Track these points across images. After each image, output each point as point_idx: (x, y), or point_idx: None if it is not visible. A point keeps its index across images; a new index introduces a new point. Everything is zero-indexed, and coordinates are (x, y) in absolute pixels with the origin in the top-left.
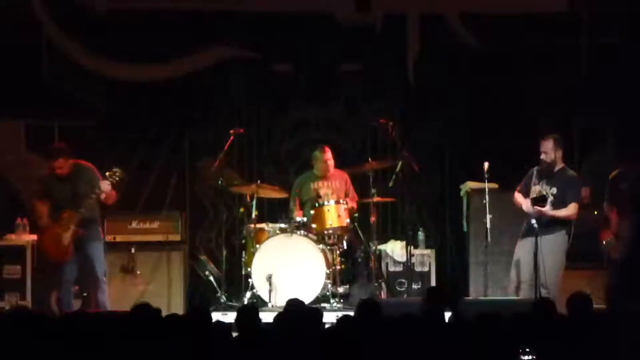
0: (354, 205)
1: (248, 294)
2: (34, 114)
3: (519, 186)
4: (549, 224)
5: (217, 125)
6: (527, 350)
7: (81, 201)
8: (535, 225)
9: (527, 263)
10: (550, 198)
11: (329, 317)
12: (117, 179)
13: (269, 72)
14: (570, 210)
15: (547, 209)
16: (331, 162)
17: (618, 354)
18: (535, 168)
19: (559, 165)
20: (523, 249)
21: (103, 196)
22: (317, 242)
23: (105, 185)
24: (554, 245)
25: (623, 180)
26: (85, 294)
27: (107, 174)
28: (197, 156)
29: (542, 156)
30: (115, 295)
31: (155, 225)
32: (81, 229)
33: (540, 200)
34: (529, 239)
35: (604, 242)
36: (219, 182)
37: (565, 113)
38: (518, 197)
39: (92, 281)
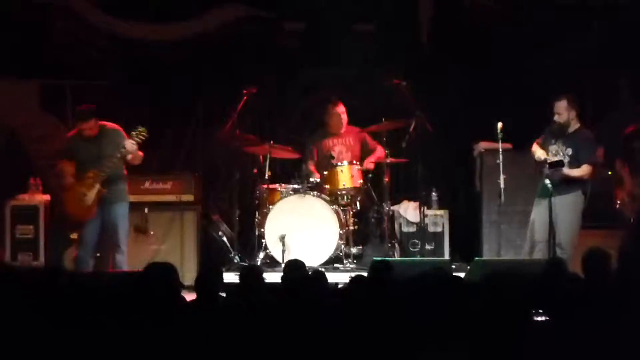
0: (380, 155)
1: (261, 255)
2: (47, 74)
3: (539, 139)
4: (564, 184)
5: (230, 85)
6: (540, 310)
7: (107, 161)
8: (550, 186)
9: (542, 223)
10: (567, 159)
11: (342, 278)
12: (142, 137)
13: (281, 31)
14: (583, 170)
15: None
16: (344, 117)
17: (630, 314)
18: (552, 126)
19: (575, 125)
20: (538, 210)
21: (130, 157)
22: (330, 202)
23: (131, 145)
24: (569, 205)
25: (636, 139)
26: (98, 254)
27: (132, 133)
28: (210, 116)
29: (556, 117)
30: (129, 255)
31: (168, 185)
32: (106, 188)
33: (557, 165)
34: (544, 199)
35: (618, 201)
36: (232, 142)
37: (578, 73)
38: (535, 148)
39: (113, 241)
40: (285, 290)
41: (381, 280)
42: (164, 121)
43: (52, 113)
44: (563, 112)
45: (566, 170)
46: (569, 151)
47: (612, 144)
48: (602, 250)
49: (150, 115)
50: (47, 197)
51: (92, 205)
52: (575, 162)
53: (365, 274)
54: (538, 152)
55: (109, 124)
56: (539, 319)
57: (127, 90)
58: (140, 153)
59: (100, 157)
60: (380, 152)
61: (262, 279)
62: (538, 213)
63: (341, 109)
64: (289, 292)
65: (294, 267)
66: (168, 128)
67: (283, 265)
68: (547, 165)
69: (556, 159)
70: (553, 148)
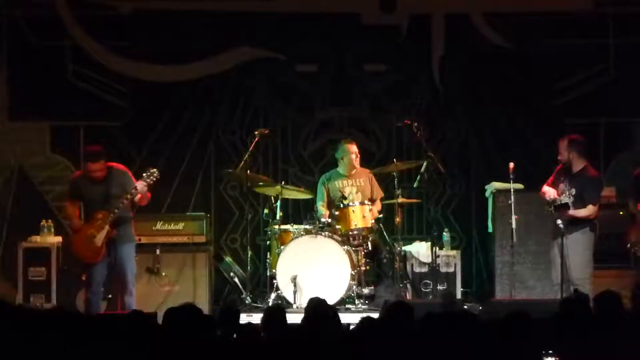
0: (379, 205)
1: (273, 295)
2: (59, 115)
3: (550, 179)
4: (572, 223)
5: (242, 126)
6: (550, 351)
7: (115, 202)
8: (561, 225)
9: (558, 263)
10: (571, 199)
11: (354, 318)
12: (153, 179)
13: (293, 72)
14: (588, 211)
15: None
16: (357, 157)
17: None
18: (561, 167)
19: (580, 165)
20: (553, 251)
21: (138, 197)
22: (342, 243)
23: (142, 186)
24: (578, 242)
25: None
26: (110, 296)
27: (144, 174)
28: (222, 157)
29: (559, 157)
30: (141, 297)
31: (180, 226)
32: (114, 229)
33: (562, 207)
34: (557, 239)
35: (631, 241)
36: (244, 183)
37: (592, 113)
38: (547, 188)
39: (121, 282)
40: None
41: (399, 322)
42: (176, 162)
43: (62, 154)
44: (563, 152)
45: (571, 212)
46: (573, 191)
47: (624, 183)
48: (614, 292)
49: (162, 155)
50: (59, 238)
51: (102, 247)
52: (579, 202)
53: (376, 315)
54: (550, 192)
55: (116, 165)
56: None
57: (139, 130)
58: (149, 194)
59: (108, 198)
60: (376, 207)
61: (286, 319)
62: (554, 253)
63: (354, 148)
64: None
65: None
66: (180, 168)
67: (296, 305)
68: (552, 208)
69: (563, 201)
70: (560, 187)
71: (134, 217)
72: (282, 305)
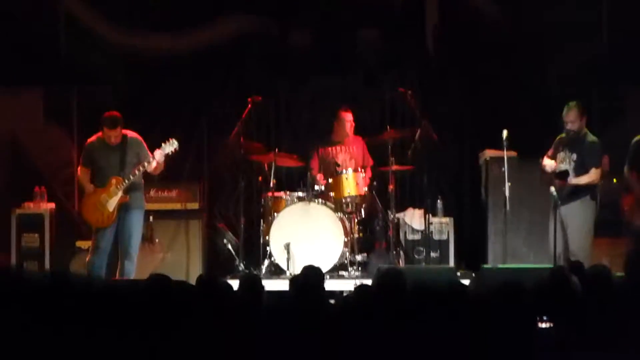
0: (370, 173)
1: (266, 263)
2: (52, 83)
3: (549, 151)
4: (573, 192)
5: (236, 96)
6: (545, 317)
7: (129, 169)
8: (555, 195)
9: (560, 234)
10: (572, 165)
11: (347, 285)
12: (173, 150)
13: (286, 41)
14: (591, 176)
15: (570, 178)
16: (352, 125)
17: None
18: (561, 135)
19: (582, 131)
20: (552, 221)
21: (154, 166)
22: (335, 210)
23: (160, 156)
24: (579, 211)
25: None
26: (108, 262)
27: (163, 144)
28: (215, 124)
29: (569, 126)
30: None
31: (174, 193)
32: (127, 196)
33: (562, 176)
34: (555, 210)
35: (625, 209)
36: (237, 151)
37: (585, 82)
38: (547, 161)
39: (125, 248)
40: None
41: (391, 289)
42: (170, 129)
43: (56, 121)
44: (575, 120)
45: (574, 180)
46: (574, 157)
47: (619, 151)
48: (603, 265)
49: (155, 123)
50: (52, 205)
51: (113, 212)
52: (580, 168)
53: (369, 282)
54: (549, 165)
55: (130, 133)
56: (544, 325)
57: (132, 99)
58: (164, 163)
59: (122, 165)
60: (367, 174)
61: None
62: (551, 223)
63: (349, 116)
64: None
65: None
66: (173, 136)
67: (289, 272)
68: (554, 175)
69: (563, 168)
70: (560, 155)
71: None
72: (257, 274)
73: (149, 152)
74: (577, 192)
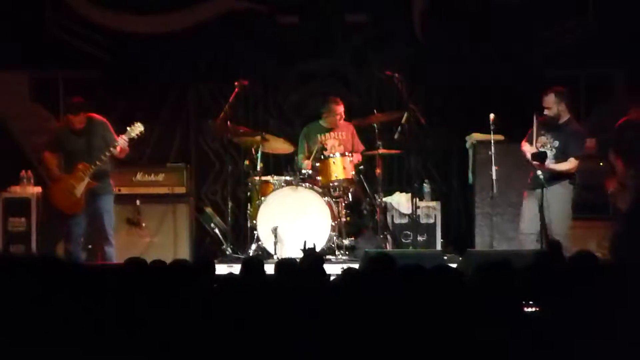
0: (359, 158)
1: (253, 247)
2: (38, 65)
3: (526, 136)
4: (552, 176)
5: (222, 78)
6: (531, 302)
7: (96, 154)
8: (542, 177)
9: (533, 215)
10: (553, 151)
11: (335, 269)
12: (138, 134)
13: (274, 24)
14: (570, 164)
15: (548, 162)
16: (342, 118)
17: (621, 305)
18: (541, 118)
19: (565, 117)
20: (529, 202)
21: (118, 150)
22: (323, 194)
23: (123, 142)
24: (558, 195)
25: (630, 129)
26: (90, 247)
27: (128, 128)
28: (202, 108)
29: (546, 111)
30: (121, 248)
31: (160, 177)
32: (94, 181)
33: (539, 157)
34: (534, 191)
35: (610, 192)
36: (224, 134)
37: (572, 64)
38: (525, 146)
39: (101, 234)
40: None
41: (378, 273)
42: (156, 113)
43: (42, 104)
44: (552, 105)
45: (552, 165)
46: (556, 143)
47: (604, 134)
48: (589, 251)
49: (142, 107)
50: (39, 189)
51: (81, 198)
52: (561, 155)
53: (357, 265)
54: (527, 150)
55: (96, 116)
56: (530, 309)
57: (119, 82)
58: (128, 148)
59: (89, 150)
60: (357, 156)
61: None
62: (529, 205)
63: (340, 108)
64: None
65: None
66: (160, 120)
67: (277, 256)
68: (530, 156)
69: (541, 149)
70: (542, 140)
71: (114, 168)
72: (261, 257)
73: (114, 135)
74: (557, 176)
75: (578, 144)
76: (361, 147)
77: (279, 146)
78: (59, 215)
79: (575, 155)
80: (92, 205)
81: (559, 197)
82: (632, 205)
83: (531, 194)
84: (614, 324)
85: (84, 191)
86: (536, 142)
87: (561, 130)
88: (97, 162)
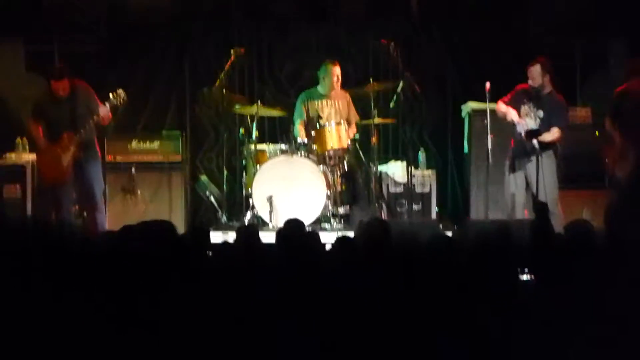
0: (355, 130)
1: (248, 215)
2: (33, 37)
3: (506, 98)
4: (532, 144)
5: (218, 47)
6: (526, 270)
7: (80, 122)
8: (537, 146)
9: (519, 186)
10: (537, 121)
11: (330, 238)
12: (120, 101)
13: None
14: (554, 134)
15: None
16: (339, 80)
17: (616, 276)
18: (524, 88)
19: (548, 88)
20: (511, 175)
21: (101, 118)
22: (318, 163)
23: (104, 111)
24: (546, 165)
25: (628, 99)
26: (85, 214)
27: (110, 96)
28: (197, 76)
29: (530, 82)
30: (116, 216)
31: (156, 145)
32: (81, 150)
33: (534, 135)
34: (522, 160)
35: (607, 162)
36: (220, 102)
37: (568, 34)
38: (502, 106)
39: (90, 202)
40: (282, 248)
41: (378, 240)
42: (152, 81)
43: (37, 71)
44: (537, 76)
45: (540, 137)
46: (540, 113)
47: (599, 104)
48: (584, 220)
49: (138, 75)
50: (34, 156)
51: (67, 167)
52: (545, 126)
53: (352, 234)
54: (511, 113)
55: (79, 82)
56: (525, 277)
57: (115, 51)
58: (110, 115)
59: (74, 118)
60: (352, 130)
61: (259, 238)
62: (515, 181)
63: (337, 70)
64: (287, 250)
65: (295, 226)
66: (155, 88)
67: (272, 224)
68: (523, 134)
69: (530, 124)
70: (524, 109)
71: (108, 135)
72: (255, 225)
73: (99, 102)
74: (542, 146)
75: (562, 115)
76: (357, 117)
77: (275, 115)
78: (49, 185)
79: (559, 126)
80: (80, 173)
81: (546, 167)
82: (631, 175)
83: (519, 164)
84: (610, 294)
85: (70, 160)
86: (521, 110)
87: (545, 101)
88: (82, 131)
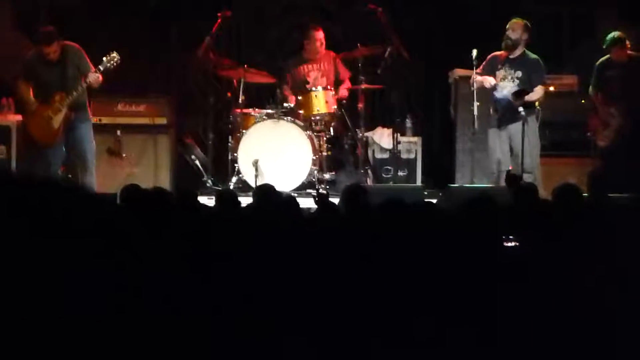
0: (349, 84)
1: (234, 179)
2: None
3: (479, 69)
4: (517, 110)
5: (205, 10)
6: (511, 236)
7: (70, 84)
8: (523, 113)
9: (505, 152)
10: (516, 81)
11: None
12: (114, 64)
13: None
14: (538, 93)
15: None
16: (323, 43)
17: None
18: (496, 54)
19: (521, 49)
20: (495, 139)
21: (93, 80)
22: (304, 128)
23: (94, 78)
24: (529, 130)
25: (611, 67)
26: (70, 176)
27: (104, 59)
28: (184, 39)
29: (509, 32)
30: (102, 178)
31: (142, 108)
32: (72, 112)
33: (520, 95)
34: (504, 126)
35: (591, 129)
36: (206, 66)
37: (556, 1)
38: (478, 77)
39: (81, 163)
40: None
41: (356, 204)
42: (138, 43)
43: (24, 32)
44: (517, 29)
45: (526, 97)
46: (519, 74)
47: (586, 72)
48: (573, 184)
49: (124, 37)
50: (19, 117)
51: (59, 129)
52: (525, 85)
53: (337, 200)
54: (488, 80)
55: (70, 44)
56: (510, 244)
57: (101, 12)
58: (101, 78)
59: (64, 80)
60: (346, 85)
61: (238, 202)
62: (498, 142)
63: (320, 34)
64: (261, 216)
65: (265, 192)
66: (142, 50)
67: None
68: (511, 96)
69: (508, 86)
70: (500, 73)
71: (94, 97)
72: (234, 190)
73: (89, 63)
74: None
75: (540, 72)
76: (347, 73)
77: (262, 79)
78: (38, 146)
79: (540, 83)
80: (71, 135)
81: (529, 130)
82: (613, 142)
83: (501, 131)
84: (595, 259)
85: (61, 122)
86: (496, 76)
87: (521, 61)
88: (74, 92)
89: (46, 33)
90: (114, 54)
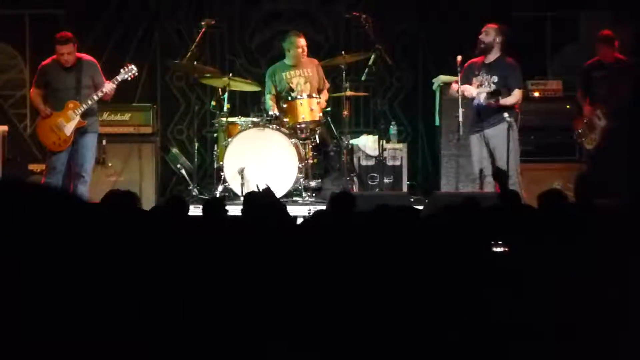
0: (326, 95)
1: (220, 187)
2: (4, 4)
3: (455, 82)
4: (494, 115)
5: (188, 17)
6: (499, 242)
7: (84, 92)
8: (508, 118)
9: (484, 157)
10: (493, 87)
11: (302, 211)
12: (131, 75)
13: None
14: (516, 97)
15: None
16: (305, 50)
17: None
18: (471, 62)
19: (496, 53)
20: (476, 142)
21: (108, 92)
22: (290, 136)
23: (110, 88)
24: (504, 133)
25: (597, 69)
26: (62, 184)
27: (122, 70)
28: (168, 47)
29: (482, 35)
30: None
31: (127, 117)
32: (84, 120)
33: (495, 95)
34: (477, 133)
35: (577, 133)
36: (191, 74)
37: (539, 6)
38: (455, 86)
39: (79, 171)
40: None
41: (343, 211)
42: (123, 52)
43: (8, 42)
44: (491, 32)
45: (501, 101)
46: (494, 79)
47: (569, 75)
48: (558, 190)
49: (108, 46)
50: (4, 127)
51: (70, 136)
52: (504, 89)
53: (324, 207)
54: (468, 89)
55: (85, 56)
56: (498, 249)
57: (85, 20)
58: (114, 92)
59: (78, 88)
60: (324, 96)
61: (226, 210)
62: (476, 146)
63: (302, 42)
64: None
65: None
66: (126, 59)
67: (242, 198)
68: (485, 96)
69: (492, 89)
70: (477, 79)
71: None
72: (222, 197)
73: (103, 77)
74: (499, 113)
75: (517, 76)
76: (327, 84)
77: (246, 87)
78: (25, 154)
79: (517, 87)
80: (79, 143)
81: (504, 135)
82: (599, 145)
83: (480, 135)
84: (584, 262)
85: (74, 129)
86: (473, 83)
87: (496, 66)
88: (88, 102)
89: (62, 35)
90: (132, 66)
